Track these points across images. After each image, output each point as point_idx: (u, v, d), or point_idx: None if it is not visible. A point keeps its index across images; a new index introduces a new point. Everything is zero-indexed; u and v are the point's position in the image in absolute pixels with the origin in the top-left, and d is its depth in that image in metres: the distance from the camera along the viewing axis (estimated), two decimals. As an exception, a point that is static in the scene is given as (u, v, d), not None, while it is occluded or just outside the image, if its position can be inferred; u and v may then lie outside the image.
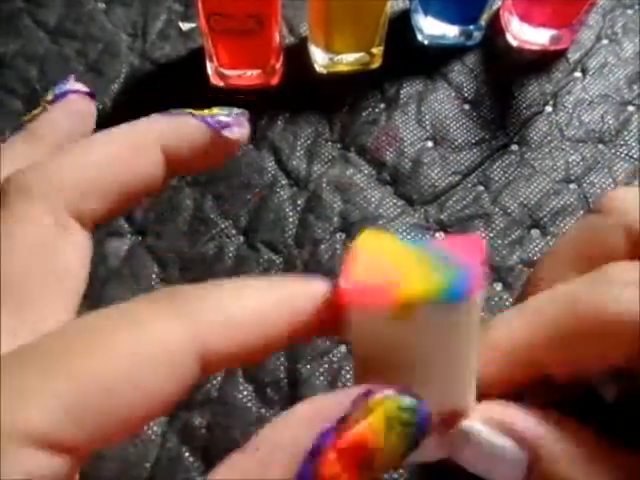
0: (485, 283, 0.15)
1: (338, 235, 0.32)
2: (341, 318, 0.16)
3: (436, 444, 0.17)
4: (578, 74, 0.37)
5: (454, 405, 0.16)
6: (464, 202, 0.33)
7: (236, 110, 0.22)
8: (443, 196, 0.33)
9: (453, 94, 0.36)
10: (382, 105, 0.36)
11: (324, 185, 0.33)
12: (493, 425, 0.17)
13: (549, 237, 0.32)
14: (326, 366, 0.28)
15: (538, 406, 0.21)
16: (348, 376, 0.28)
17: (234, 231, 0.32)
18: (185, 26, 0.38)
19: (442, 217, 0.32)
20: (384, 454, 0.14)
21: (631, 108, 0.36)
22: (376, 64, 0.37)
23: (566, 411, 0.19)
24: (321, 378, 0.28)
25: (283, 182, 0.33)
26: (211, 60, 0.35)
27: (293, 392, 0.27)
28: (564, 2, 0.35)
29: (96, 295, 0.29)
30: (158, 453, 0.26)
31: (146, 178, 0.19)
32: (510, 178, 0.33)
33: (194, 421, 0.27)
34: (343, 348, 0.28)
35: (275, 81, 0.36)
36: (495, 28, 0.38)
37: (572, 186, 0.33)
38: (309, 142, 0.34)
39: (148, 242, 0.31)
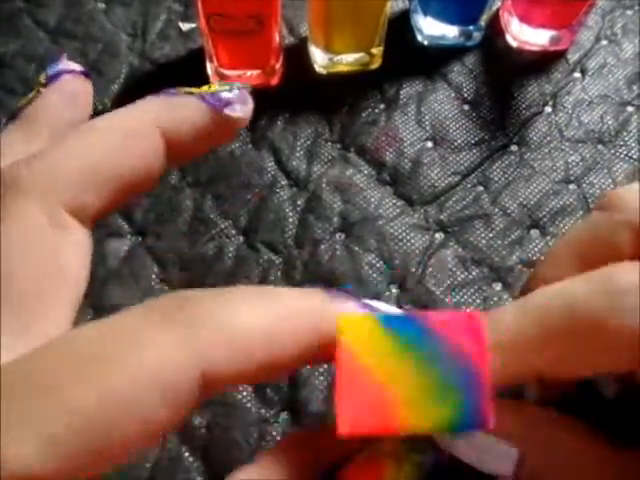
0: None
1: (338, 235, 0.32)
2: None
3: None
4: (577, 75, 0.37)
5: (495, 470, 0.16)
6: (464, 202, 0.33)
7: (238, 84, 0.20)
8: (443, 196, 0.33)
9: (453, 94, 0.36)
10: (382, 105, 0.36)
11: (324, 185, 0.33)
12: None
13: (549, 237, 0.32)
14: (326, 366, 0.28)
15: (537, 401, 0.20)
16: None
17: (234, 231, 0.32)
18: (185, 26, 0.38)
19: (442, 217, 0.32)
20: None
21: (630, 109, 0.36)
22: (376, 64, 0.37)
23: (565, 407, 0.18)
24: (321, 378, 0.28)
25: (283, 182, 0.33)
26: (211, 60, 0.35)
27: (293, 392, 0.27)
28: (564, 3, 0.35)
29: (96, 295, 0.29)
30: (158, 453, 0.26)
31: (145, 165, 0.18)
32: (510, 178, 0.33)
33: (194, 421, 0.27)
34: (343, 348, 0.28)
35: (275, 81, 0.36)
36: (495, 29, 0.38)
37: (571, 186, 0.33)
38: (309, 142, 0.34)
39: (148, 242, 0.31)
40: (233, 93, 0.20)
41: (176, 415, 0.13)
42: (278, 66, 0.36)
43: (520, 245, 0.31)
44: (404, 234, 0.32)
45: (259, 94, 0.35)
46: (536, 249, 0.31)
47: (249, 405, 0.27)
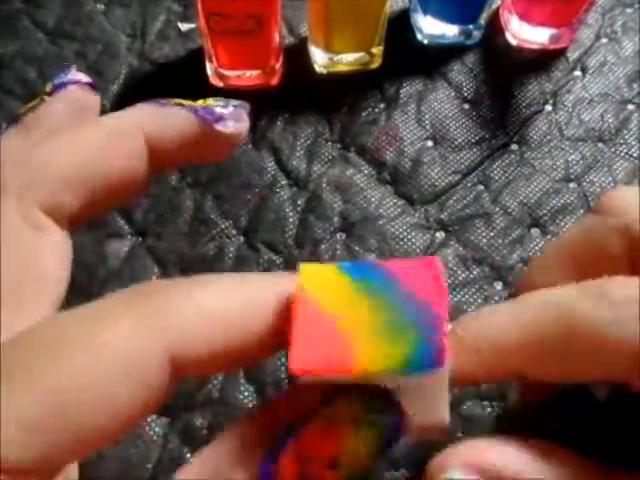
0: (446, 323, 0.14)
1: (338, 235, 0.32)
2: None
3: None
4: (578, 73, 0.37)
5: (432, 422, 0.15)
6: (464, 201, 0.33)
7: (234, 102, 0.20)
8: (443, 195, 0.33)
9: (453, 93, 0.36)
10: (382, 105, 0.36)
11: (324, 185, 0.33)
12: (472, 471, 0.15)
13: (549, 236, 0.32)
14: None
15: (527, 401, 0.20)
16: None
17: (234, 231, 0.32)
18: (184, 27, 0.38)
19: (442, 216, 0.32)
20: (350, 454, 0.14)
21: (631, 107, 0.36)
22: (376, 64, 0.37)
23: (557, 408, 0.18)
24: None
25: (283, 182, 0.33)
26: (210, 61, 0.35)
27: (294, 392, 0.27)
28: (563, 1, 0.35)
29: (96, 296, 0.29)
30: (160, 454, 0.26)
31: (127, 167, 0.18)
32: (510, 177, 0.33)
33: (195, 422, 0.27)
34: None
35: (275, 81, 0.36)
36: (495, 27, 0.38)
37: (572, 185, 0.33)
38: (309, 142, 0.34)
39: (148, 243, 0.31)
40: (227, 109, 0.19)
41: (146, 398, 0.13)
42: (278, 66, 0.35)
43: (521, 244, 0.31)
44: (405, 233, 0.32)
45: (259, 94, 0.35)
46: (537, 248, 0.31)
47: (250, 405, 0.27)
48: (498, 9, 0.39)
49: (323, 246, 0.31)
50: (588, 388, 0.20)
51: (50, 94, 0.20)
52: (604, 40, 0.38)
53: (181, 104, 0.19)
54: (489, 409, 0.27)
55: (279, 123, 0.35)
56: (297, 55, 0.37)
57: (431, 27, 0.37)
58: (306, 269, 0.15)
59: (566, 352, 0.15)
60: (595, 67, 0.37)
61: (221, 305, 0.14)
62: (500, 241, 0.31)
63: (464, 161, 0.34)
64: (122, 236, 0.31)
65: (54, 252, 0.17)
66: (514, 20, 0.37)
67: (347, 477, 0.14)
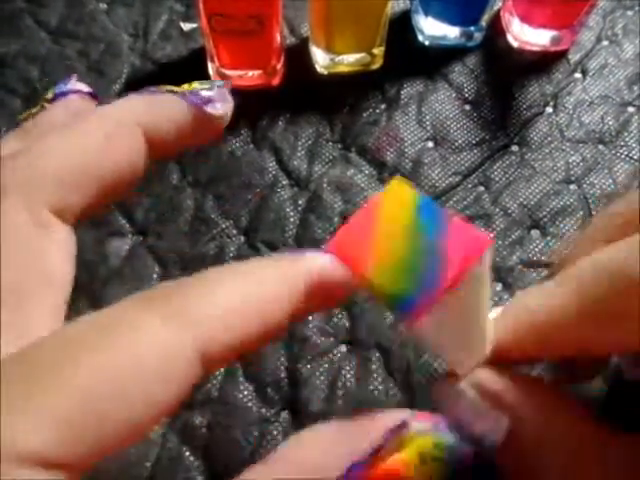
0: (461, 283, 0.15)
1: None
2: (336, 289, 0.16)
3: None
4: (578, 75, 0.37)
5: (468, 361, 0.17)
6: (464, 202, 0.33)
7: (217, 82, 0.21)
8: (444, 196, 0.33)
9: (454, 95, 0.36)
10: (383, 106, 0.36)
11: (325, 185, 0.33)
12: (479, 390, 0.16)
13: (549, 237, 0.32)
14: (326, 366, 0.28)
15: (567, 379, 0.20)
16: (348, 376, 0.28)
17: (235, 231, 0.32)
18: (186, 26, 0.38)
19: (442, 217, 0.32)
20: None
21: (631, 109, 0.36)
22: (377, 65, 0.37)
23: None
24: (321, 378, 0.28)
25: (284, 182, 0.33)
26: (212, 60, 0.35)
27: (294, 392, 0.27)
28: (564, 3, 0.35)
29: (97, 295, 0.29)
30: (158, 453, 0.26)
31: (128, 164, 0.18)
32: (510, 179, 0.33)
33: (194, 421, 0.27)
34: (343, 348, 0.28)
35: (276, 82, 0.36)
36: (496, 29, 0.38)
37: (572, 187, 0.33)
38: (310, 142, 0.34)
39: (149, 242, 0.31)
40: (213, 91, 0.20)
41: (178, 392, 0.14)
42: (279, 66, 0.36)
43: (520, 245, 0.31)
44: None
45: (260, 94, 0.35)
46: (536, 249, 0.31)
47: (250, 404, 0.27)
48: (499, 11, 0.39)
49: (323, 246, 0.31)
50: (619, 366, 0.20)
51: (51, 101, 0.20)
52: (605, 42, 0.38)
53: (172, 91, 0.19)
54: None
55: (280, 123, 0.35)
56: (298, 55, 0.37)
57: (432, 28, 0.37)
58: (393, 187, 0.16)
59: (623, 314, 0.15)
60: (596, 69, 0.37)
61: (239, 299, 0.15)
62: (500, 242, 0.31)
63: (464, 162, 0.34)
64: (123, 235, 0.31)
65: (60, 250, 0.17)
66: (515, 22, 0.37)
67: None
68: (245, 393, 0.27)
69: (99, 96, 0.23)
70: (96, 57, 0.37)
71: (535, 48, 0.38)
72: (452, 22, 0.36)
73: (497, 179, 0.33)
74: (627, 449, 0.16)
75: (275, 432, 0.27)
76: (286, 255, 0.17)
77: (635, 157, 0.34)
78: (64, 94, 0.21)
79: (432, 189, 0.33)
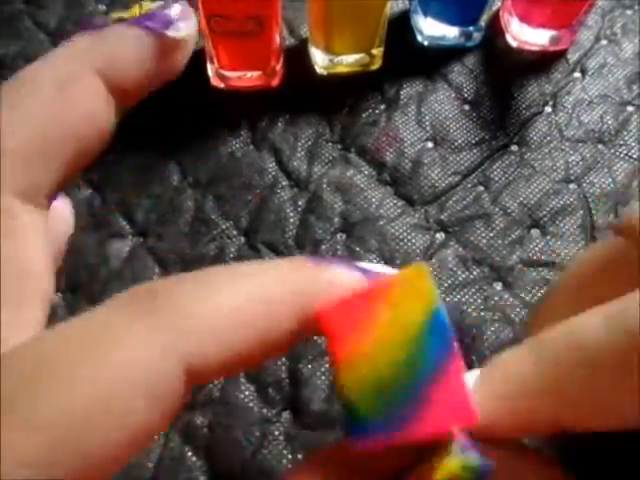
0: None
1: (339, 236, 0.32)
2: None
3: None
4: (577, 74, 0.37)
5: None
6: (464, 202, 0.33)
7: None
8: (443, 196, 0.33)
9: (453, 95, 0.36)
10: (382, 106, 0.36)
11: (325, 186, 0.33)
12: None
13: (549, 237, 0.32)
14: (327, 366, 0.28)
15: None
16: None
17: (235, 232, 0.32)
18: (185, 28, 0.38)
19: (442, 217, 0.32)
20: None
21: (630, 108, 0.36)
22: (376, 65, 0.37)
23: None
24: (322, 378, 0.28)
25: (284, 183, 0.33)
26: (211, 61, 0.35)
27: (295, 392, 0.27)
28: (563, 3, 0.35)
29: (97, 296, 0.29)
30: (161, 453, 0.26)
31: (91, 120, 0.15)
32: (510, 178, 0.33)
33: (196, 421, 0.27)
34: (344, 348, 0.28)
35: (275, 82, 0.36)
36: (495, 29, 0.38)
37: (572, 186, 0.33)
38: (309, 143, 0.34)
39: (149, 243, 0.31)
40: (170, 8, 0.16)
41: (163, 411, 0.12)
42: (279, 67, 0.36)
43: (520, 245, 0.31)
44: (405, 234, 0.32)
45: (260, 95, 0.35)
46: (536, 249, 0.31)
47: (251, 405, 0.27)
48: (498, 11, 0.39)
49: (323, 247, 0.31)
50: None
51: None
52: (604, 42, 0.38)
53: (121, 19, 0.16)
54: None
55: (280, 124, 0.35)
56: (297, 56, 0.37)
57: (431, 29, 0.37)
58: (412, 274, 0.14)
59: (596, 391, 0.14)
60: (595, 69, 0.37)
61: (235, 305, 0.13)
62: (500, 242, 0.32)
63: (464, 162, 0.34)
64: (123, 236, 0.31)
65: (31, 238, 0.15)
66: (514, 22, 0.37)
67: None
68: (246, 393, 0.27)
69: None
70: (96, 59, 0.37)
71: (534, 48, 0.38)
72: (451, 22, 0.36)
73: (497, 179, 0.33)
74: None
75: (276, 432, 0.27)
76: (305, 260, 0.15)
77: (634, 156, 0.34)
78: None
79: (432, 189, 0.33)
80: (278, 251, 0.31)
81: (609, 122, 0.35)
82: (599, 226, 0.32)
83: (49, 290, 0.15)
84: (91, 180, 0.33)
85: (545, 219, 0.32)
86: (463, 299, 0.30)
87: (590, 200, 0.33)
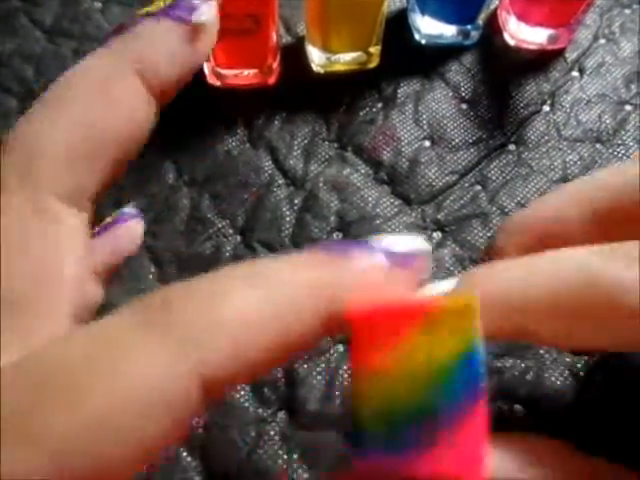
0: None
1: (335, 235, 0.32)
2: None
3: None
4: (575, 73, 0.37)
5: None
6: (461, 201, 0.33)
7: None
8: (440, 195, 0.33)
9: (450, 93, 0.36)
10: (379, 104, 0.36)
11: (321, 184, 0.33)
12: None
13: (546, 236, 0.32)
14: (323, 365, 0.28)
15: None
16: (345, 375, 0.28)
17: (231, 231, 0.32)
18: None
19: (439, 217, 0.32)
20: None
21: (628, 107, 0.36)
22: (373, 63, 0.37)
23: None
24: (318, 377, 0.28)
25: (280, 181, 0.33)
26: (208, 59, 0.35)
27: (290, 392, 0.27)
28: (561, 1, 0.35)
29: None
30: (155, 453, 0.26)
31: (134, 121, 0.15)
32: (507, 177, 0.33)
33: (191, 421, 0.26)
34: (340, 347, 0.28)
35: (272, 81, 0.36)
36: (492, 27, 0.38)
37: (569, 185, 0.33)
38: (306, 141, 0.34)
39: (145, 242, 0.31)
40: None
41: (176, 426, 0.12)
42: (275, 65, 0.35)
43: (518, 244, 0.31)
44: (401, 233, 0.32)
45: (256, 93, 0.35)
46: (534, 248, 0.31)
47: (246, 404, 0.27)
48: (496, 9, 0.39)
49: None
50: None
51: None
52: (602, 41, 0.38)
53: (149, 13, 0.16)
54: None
55: (276, 122, 0.35)
56: (294, 54, 0.37)
57: (429, 27, 0.37)
58: (462, 303, 0.14)
59: (582, 314, 0.15)
60: (593, 68, 0.37)
61: (251, 311, 0.13)
62: (497, 241, 0.31)
63: (461, 161, 0.34)
64: (119, 235, 0.31)
65: (71, 241, 0.15)
66: (512, 20, 0.37)
67: None
68: (242, 393, 0.27)
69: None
70: (91, 56, 0.37)
71: (532, 46, 0.37)
72: (449, 21, 0.36)
73: (494, 178, 0.33)
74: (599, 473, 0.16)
75: (272, 432, 0.26)
76: (323, 255, 0.14)
77: (632, 156, 0.34)
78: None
79: (429, 188, 0.33)
80: (274, 250, 0.31)
81: (607, 121, 0.35)
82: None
83: (76, 296, 0.15)
84: (86, 178, 0.32)
85: (542, 218, 0.32)
86: (460, 299, 0.30)
87: (588, 200, 0.33)
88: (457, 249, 0.31)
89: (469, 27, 0.37)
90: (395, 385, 0.13)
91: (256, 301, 0.13)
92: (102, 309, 0.28)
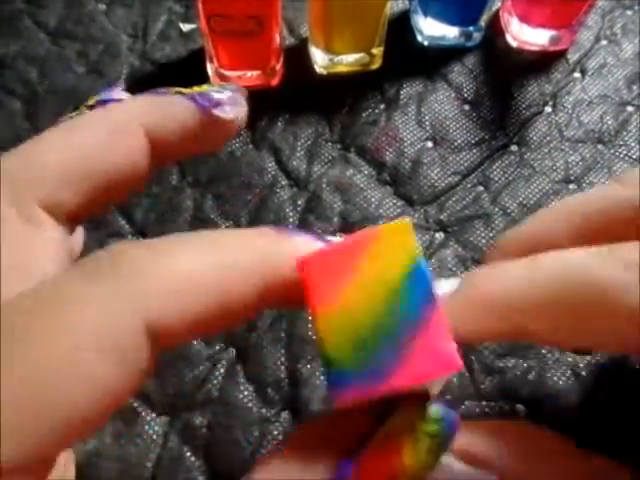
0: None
1: (338, 235, 0.32)
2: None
3: None
4: (577, 75, 0.37)
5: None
6: (464, 202, 0.33)
7: (231, 86, 0.20)
8: (443, 196, 0.33)
9: (453, 95, 0.36)
10: (382, 106, 0.36)
11: (324, 185, 0.33)
12: (465, 458, 0.16)
13: (549, 237, 0.32)
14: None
15: None
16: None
17: (234, 231, 0.32)
18: (185, 27, 0.38)
19: (442, 217, 0.32)
20: (412, 467, 0.14)
21: (630, 108, 0.36)
22: (376, 65, 0.37)
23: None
24: (322, 377, 0.28)
25: (283, 182, 0.33)
26: (211, 61, 0.35)
27: (294, 392, 0.27)
28: (563, 3, 0.35)
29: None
30: (159, 453, 0.26)
31: (127, 164, 0.17)
32: (510, 178, 0.33)
33: (195, 421, 0.27)
34: (343, 348, 0.28)
35: (275, 82, 0.36)
36: (495, 29, 0.38)
37: (571, 186, 0.33)
38: (309, 143, 0.34)
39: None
40: (224, 94, 0.19)
41: (127, 373, 0.13)
42: (278, 67, 0.36)
43: (520, 245, 0.31)
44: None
45: (259, 95, 0.35)
46: (536, 249, 0.31)
47: (250, 405, 0.27)
48: (498, 11, 0.39)
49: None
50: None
51: (91, 108, 0.19)
52: (604, 42, 0.38)
53: (180, 92, 0.19)
54: (487, 409, 0.27)
55: (279, 123, 0.35)
56: (297, 56, 0.37)
57: (431, 29, 0.37)
58: (396, 228, 0.15)
59: (581, 315, 0.15)
60: (595, 69, 0.37)
61: (194, 269, 0.14)
62: (499, 242, 0.31)
63: (464, 162, 0.34)
64: (123, 235, 0.31)
65: (47, 247, 0.16)
66: (514, 22, 0.37)
67: None
68: (245, 393, 0.27)
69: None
70: (95, 58, 0.37)
71: (534, 48, 0.38)
72: (451, 22, 0.36)
73: (496, 179, 0.33)
74: (598, 471, 0.16)
75: (275, 432, 0.27)
76: (271, 230, 0.15)
77: (634, 156, 0.34)
78: (107, 102, 0.19)
79: (431, 189, 0.33)
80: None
81: (609, 122, 0.35)
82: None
83: None
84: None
85: (545, 219, 0.32)
86: (462, 299, 0.30)
87: (590, 200, 0.33)
88: (460, 249, 0.31)
89: (471, 28, 0.37)
90: (356, 315, 0.14)
91: (199, 261, 0.14)
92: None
